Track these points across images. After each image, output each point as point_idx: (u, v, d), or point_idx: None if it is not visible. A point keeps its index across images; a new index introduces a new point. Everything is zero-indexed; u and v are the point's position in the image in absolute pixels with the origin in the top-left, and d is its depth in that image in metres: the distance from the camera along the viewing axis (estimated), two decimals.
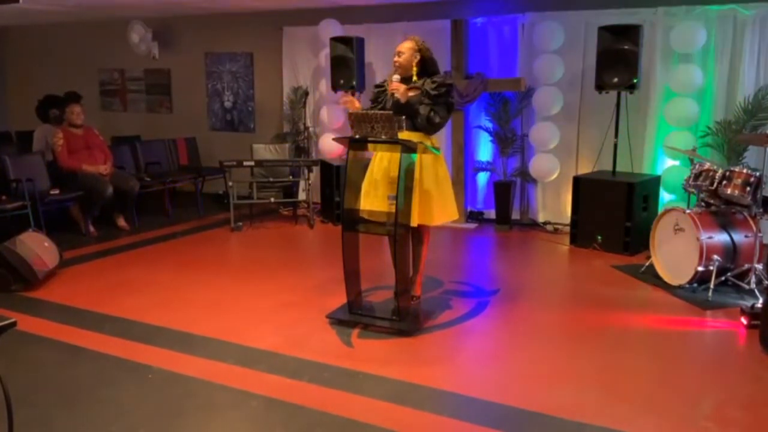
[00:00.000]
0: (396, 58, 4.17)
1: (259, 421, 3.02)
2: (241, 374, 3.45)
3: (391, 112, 3.80)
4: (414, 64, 4.17)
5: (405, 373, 3.43)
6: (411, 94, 4.09)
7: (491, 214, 7.04)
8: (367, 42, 7.07)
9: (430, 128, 4.14)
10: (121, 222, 6.79)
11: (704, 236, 4.55)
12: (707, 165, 4.87)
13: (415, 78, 4.18)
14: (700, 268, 4.57)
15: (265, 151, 7.52)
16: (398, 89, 4.06)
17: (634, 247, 5.71)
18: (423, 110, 4.08)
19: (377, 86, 4.41)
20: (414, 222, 4.06)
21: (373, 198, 4.17)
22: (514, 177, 6.94)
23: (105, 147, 6.90)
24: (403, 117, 4.09)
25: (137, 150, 7.69)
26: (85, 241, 6.33)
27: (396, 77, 4.13)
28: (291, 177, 7.55)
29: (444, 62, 6.72)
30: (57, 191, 6.30)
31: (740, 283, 4.61)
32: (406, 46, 4.18)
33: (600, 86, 5.98)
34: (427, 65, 4.23)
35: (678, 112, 5.97)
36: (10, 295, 4.71)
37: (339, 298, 4.28)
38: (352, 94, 7.11)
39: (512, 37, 6.83)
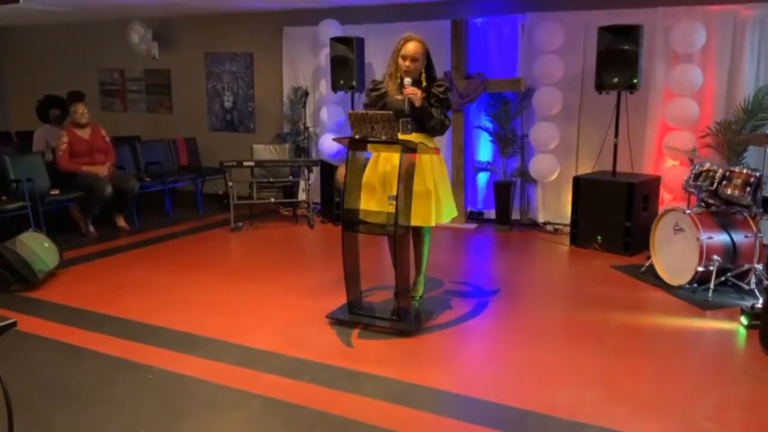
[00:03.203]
0: (409, 64, 4.07)
1: (259, 421, 3.02)
2: (241, 374, 3.45)
3: (391, 112, 3.79)
4: (423, 67, 4.17)
5: (405, 373, 3.43)
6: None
7: (491, 214, 7.04)
8: (367, 42, 7.07)
9: (442, 131, 4.23)
10: (121, 222, 6.79)
11: (704, 236, 4.55)
12: (707, 165, 4.87)
13: (424, 82, 4.17)
14: (700, 269, 4.57)
15: (265, 151, 7.52)
16: (416, 93, 4.04)
17: (634, 247, 5.71)
18: (436, 114, 4.13)
19: (372, 90, 4.35)
20: (417, 222, 4.08)
21: (374, 199, 4.17)
22: (514, 177, 6.94)
23: (109, 148, 6.87)
24: (409, 119, 4.09)
25: (137, 150, 7.69)
26: (85, 241, 6.33)
27: (408, 80, 4.08)
28: (291, 177, 7.55)
29: (444, 62, 6.74)
30: (57, 191, 6.29)
31: (740, 283, 4.62)
32: (420, 51, 4.09)
33: (600, 86, 5.97)
34: (431, 66, 4.22)
35: (678, 112, 5.97)
36: (10, 295, 4.71)
37: (339, 298, 4.28)
38: (353, 94, 7.13)
39: (512, 37, 6.83)
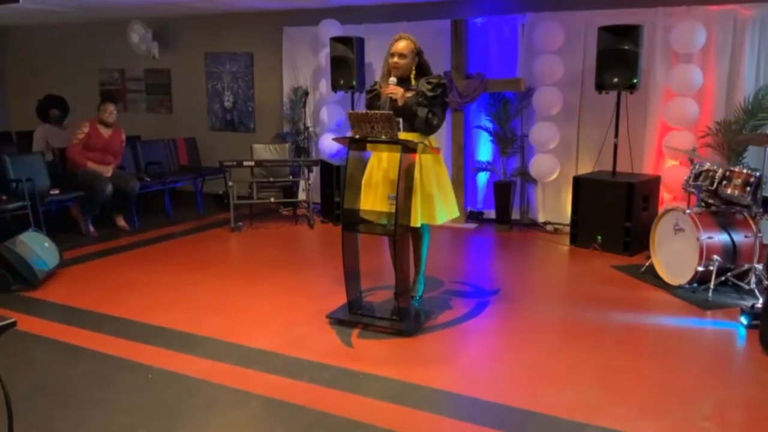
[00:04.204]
0: (396, 60, 4.10)
1: (259, 421, 3.02)
2: (241, 374, 3.45)
3: (391, 112, 3.79)
4: (413, 66, 4.15)
5: (405, 373, 3.43)
6: (408, 95, 4.08)
7: (491, 214, 7.04)
8: (367, 42, 7.07)
9: (428, 130, 4.14)
10: (121, 222, 6.79)
11: (704, 236, 4.55)
12: (707, 165, 4.87)
13: (413, 81, 4.16)
14: (700, 268, 4.57)
15: (265, 151, 7.52)
16: (396, 92, 4.04)
17: (634, 247, 5.71)
18: (421, 113, 4.07)
19: (369, 91, 4.37)
20: (416, 222, 4.07)
21: (373, 198, 4.17)
22: (514, 177, 6.94)
23: (120, 153, 6.90)
24: (400, 119, 4.08)
25: (137, 150, 7.69)
26: (85, 241, 6.33)
27: (392, 80, 4.08)
28: (291, 177, 7.55)
29: (444, 62, 6.74)
30: (57, 191, 6.29)
31: (740, 283, 4.62)
32: (408, 48, 4.11)
33: (600, 86, 5.97)
34: (422, 66, 4.21)
35: (678, 112, 5.97)
36: (10, 295, 4.71)
37: (339, 298, 4.28)
38: (352, 94, 7.13)
39: (512, 37, 6.83)
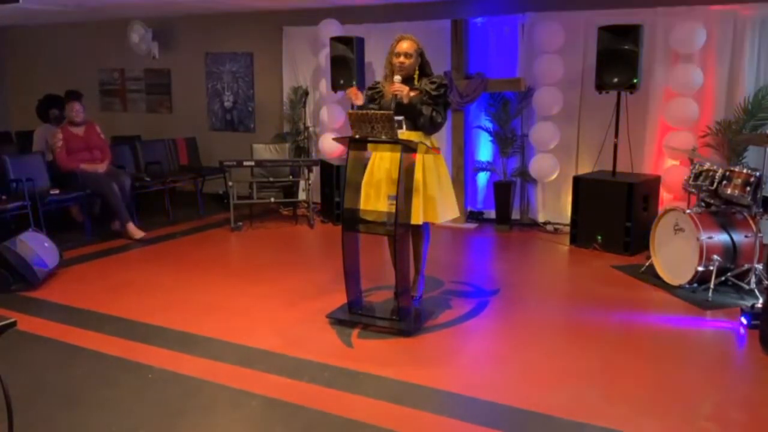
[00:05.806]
0: (402, 60, 4.12)
1: (259, 421, 3.02)
2: (241, 374, 3.45)
3: (391, 112, 3.80)
4: (416, 66, 4.18)
5: (405, 373, 3.43)
6: (411, 94, 4.10)
7: (491, 214, 7.04)
8: (367, 42, 7.07)
9: (432, 128, 4.16)
10: (117, 225, 6.65)
11: (704, 236, 4.55)
12: (707, 165, 4.87)
13: (417, 81, 4.18)
14: (700, 268, 4.57)
15: (265, 151, 7.52)
16: (402, 90, 4.06)
17: (634, 247, 5.71)
18: (426, 110, 4.09)
19: (371, 88, 4.40)
20: (418, 220, 4.07)
21: (374, 198, 4.17)
22: (514, 177, 6.93)
23: (105, 146, 6.86)
24: (403, 117, 4.10)
25: (137, 150, 7.67)
26: (85, 241, 6.32)
27: (397, 77, 4.11)
28: (291, 177, 7.55)
29: (444, 62, 6.74)
30: (57, 191, 6.29)
31: (740, 283, 4.61)
32: (412, 48, 4.14)
33: (600, 86, 5.97)
34: (425, 65, 4.25)
35: (678, 112, 5.97)
36: (10, 295, 4.71)
37: (339, 298, 4.28)
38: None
39: (512, 37, 6.83)
